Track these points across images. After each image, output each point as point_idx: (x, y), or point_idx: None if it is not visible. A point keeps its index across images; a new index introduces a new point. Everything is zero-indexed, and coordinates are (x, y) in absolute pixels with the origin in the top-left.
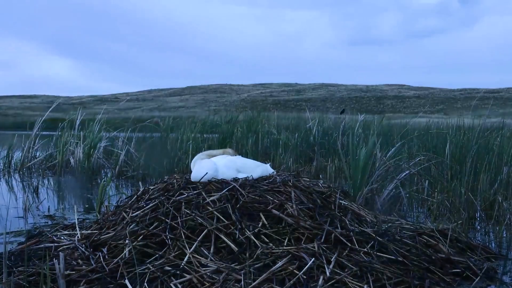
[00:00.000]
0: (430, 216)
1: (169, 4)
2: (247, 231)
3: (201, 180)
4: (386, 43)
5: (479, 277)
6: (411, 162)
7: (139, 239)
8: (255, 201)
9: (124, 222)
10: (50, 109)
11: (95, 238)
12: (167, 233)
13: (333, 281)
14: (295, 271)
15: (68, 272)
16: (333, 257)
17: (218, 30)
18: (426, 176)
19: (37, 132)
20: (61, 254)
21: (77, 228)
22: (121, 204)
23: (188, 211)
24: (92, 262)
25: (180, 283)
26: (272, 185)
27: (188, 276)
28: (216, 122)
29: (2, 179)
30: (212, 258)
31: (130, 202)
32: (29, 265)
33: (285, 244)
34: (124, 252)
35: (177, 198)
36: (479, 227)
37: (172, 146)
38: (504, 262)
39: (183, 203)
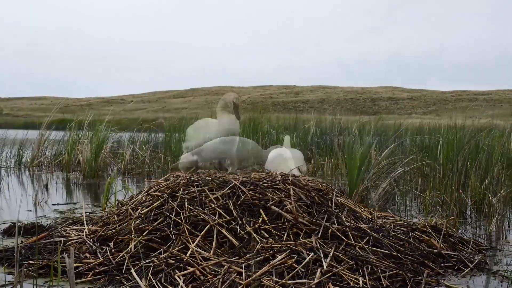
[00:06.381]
0: (423, 212)
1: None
2: (248, 226)
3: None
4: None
5: (469, 268)
6: (405, 160)
7: (144, 234)
8: (255, 198)
9: (130, 217)
10: (58, 110)
11: (102, 233)
12: (171, 228)
13: (330, 274)
14: (293, 264)
15: (76, 264)
16: (330, 252)
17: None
18: (419, 174)
19: (47, 131)
20: (71, 248)
21: (84, 223)
22: (127, 200)
23: (191, 207)
24: (99, 256)
25: (183, 275)
26: (272, 183)
27: (191, 269)
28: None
29: (13, 175)
30: (214, 252)
31: (135, 199)
32: (39, 258)
33: (284, 239)
34: (130, 246)
35: (181, 195)
36: (470, 222)
37: (175, 146)
38: (494, 253)
39: (186, 200)
